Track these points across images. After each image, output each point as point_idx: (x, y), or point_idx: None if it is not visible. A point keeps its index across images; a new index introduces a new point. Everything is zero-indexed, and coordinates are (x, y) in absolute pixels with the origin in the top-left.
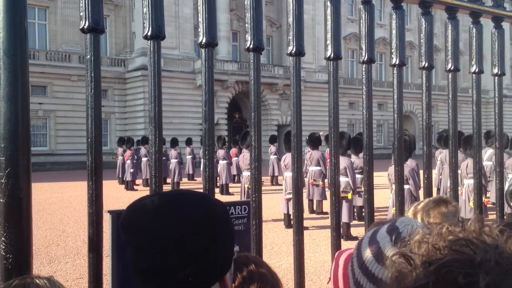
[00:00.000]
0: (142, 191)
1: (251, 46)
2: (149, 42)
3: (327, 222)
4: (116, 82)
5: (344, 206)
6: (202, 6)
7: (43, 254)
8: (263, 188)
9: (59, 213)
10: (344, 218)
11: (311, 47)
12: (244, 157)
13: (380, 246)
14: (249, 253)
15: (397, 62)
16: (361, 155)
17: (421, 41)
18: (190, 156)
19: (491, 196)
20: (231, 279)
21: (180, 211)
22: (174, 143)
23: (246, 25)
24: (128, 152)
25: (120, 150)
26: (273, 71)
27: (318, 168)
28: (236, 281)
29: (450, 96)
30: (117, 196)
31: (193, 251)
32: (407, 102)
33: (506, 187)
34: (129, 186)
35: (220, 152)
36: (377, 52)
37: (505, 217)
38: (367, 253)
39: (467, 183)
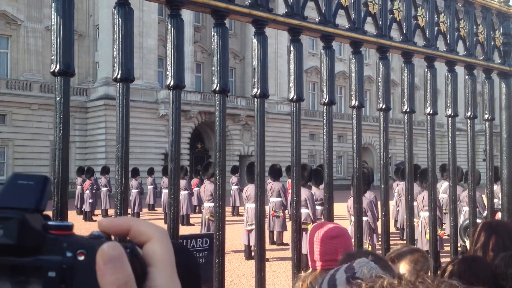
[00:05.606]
0: None
1: (217, 88)
2: (118, 84)
3: (287, 253)
4: (77, 111)
5: (304, 238)
6: (171, 50)
7: None
8: None
9: None
10: (304, 249)
11: (273, 80)
12: (206, 188)
13: (337, 284)
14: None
15: (356, 104)
16: (321, 186)
17: (379, 84)
18: (152, 186)
19: (446, 228)
20: None
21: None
22: (135, 173)
23: (213, 68)
24: (88, 182)
25: (79, 179)
26: (235, 102)
27: (279, 199)
28: None
29: (406, 136)
30: (74, 228)
31: None
32: (365, 135)
33: (460, 221)
34: (88, 216)
35: (182, 183)
36: (336, 86)
37: (459, 249)
38: None
39: (423, 215)
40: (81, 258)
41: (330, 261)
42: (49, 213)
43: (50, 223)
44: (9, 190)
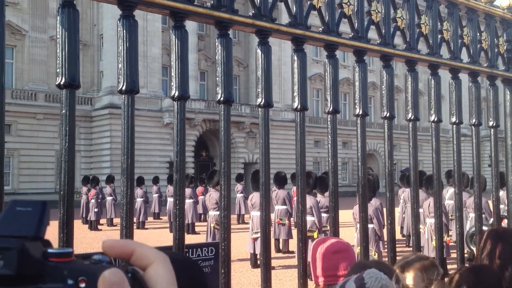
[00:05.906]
0: (106, 231)
1: (221, 99)
2: (123, 96)
3: (293, 261)
4: (82, 120)
5: (310, 246)
6: (175, 61)
7: None
8: None
9: None
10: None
11: (278, 87)
12: (211, 196)
13: None
14: None
15: (361, 113)
16: (326, 194)
17: (383, 92)
18: (157, 195)
19: (453, 235)
20: None
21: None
22: (140, 181)
23: (217, 78)
24: (93, 191)
25: (84, 189)
26: (240, 110)
27: (284, 207)
28: None
29: (410, 144)
30: (80, 237)
31: None
32: (370, 141)
33: (467, 228)
34: (93, 226)
35: (187, 191)
36: (341, 92)
37: (466, 255)
38: None
39: (429, 222)
40: (83, 285)
41: (332, 277)
42: (55, 222)
43: (49, 250)
44: (8, 218)
